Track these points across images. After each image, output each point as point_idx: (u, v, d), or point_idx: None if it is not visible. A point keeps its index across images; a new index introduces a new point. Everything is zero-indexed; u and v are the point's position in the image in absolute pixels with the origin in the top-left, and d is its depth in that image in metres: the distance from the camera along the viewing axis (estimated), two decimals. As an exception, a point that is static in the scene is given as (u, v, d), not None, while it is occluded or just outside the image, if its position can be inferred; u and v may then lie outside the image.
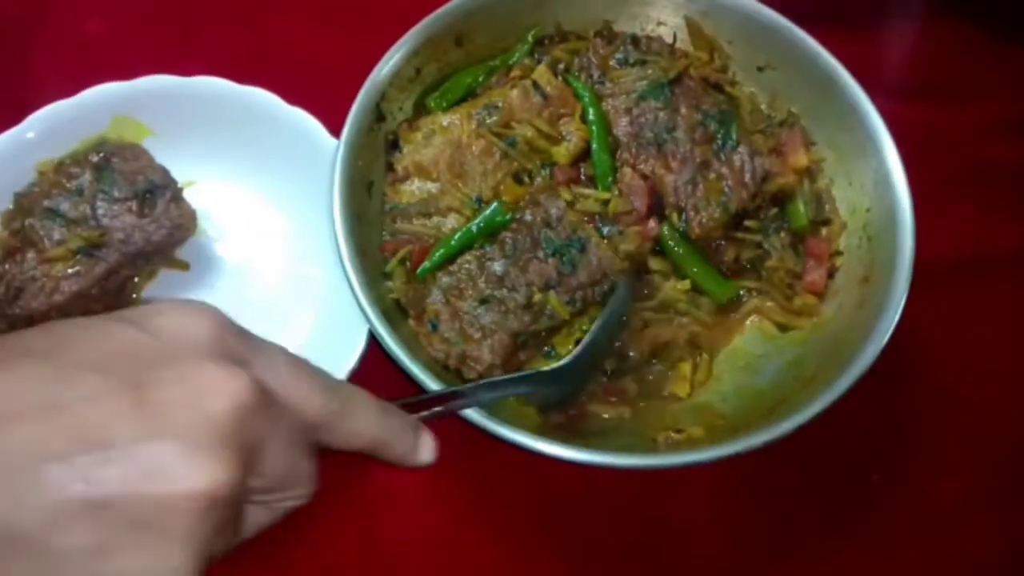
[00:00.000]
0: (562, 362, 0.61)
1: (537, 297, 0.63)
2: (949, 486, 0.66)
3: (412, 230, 0.67)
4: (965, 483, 0.66)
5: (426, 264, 0.65)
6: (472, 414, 0.57)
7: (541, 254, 0.64)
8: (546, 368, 0.62)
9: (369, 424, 0.47)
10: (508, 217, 0.65)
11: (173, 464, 0.36)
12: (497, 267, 0.64)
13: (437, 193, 0.67)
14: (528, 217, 0.65)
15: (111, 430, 0.36)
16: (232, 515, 0.40)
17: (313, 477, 0.45)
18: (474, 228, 0.65)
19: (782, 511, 0.65)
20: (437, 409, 0.54)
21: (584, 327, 0.64)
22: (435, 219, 0.67)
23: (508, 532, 0.63)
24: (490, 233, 0.65)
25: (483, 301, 0.63)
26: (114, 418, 0.36)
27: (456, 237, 0.65)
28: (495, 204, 0.66)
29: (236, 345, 0.42)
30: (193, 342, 0.40)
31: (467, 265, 0.64)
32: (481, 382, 0.58)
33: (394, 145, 0.69)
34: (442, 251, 0.65)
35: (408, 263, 0.66)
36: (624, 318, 0.66)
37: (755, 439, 0.56)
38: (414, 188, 0.68)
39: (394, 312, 0.64)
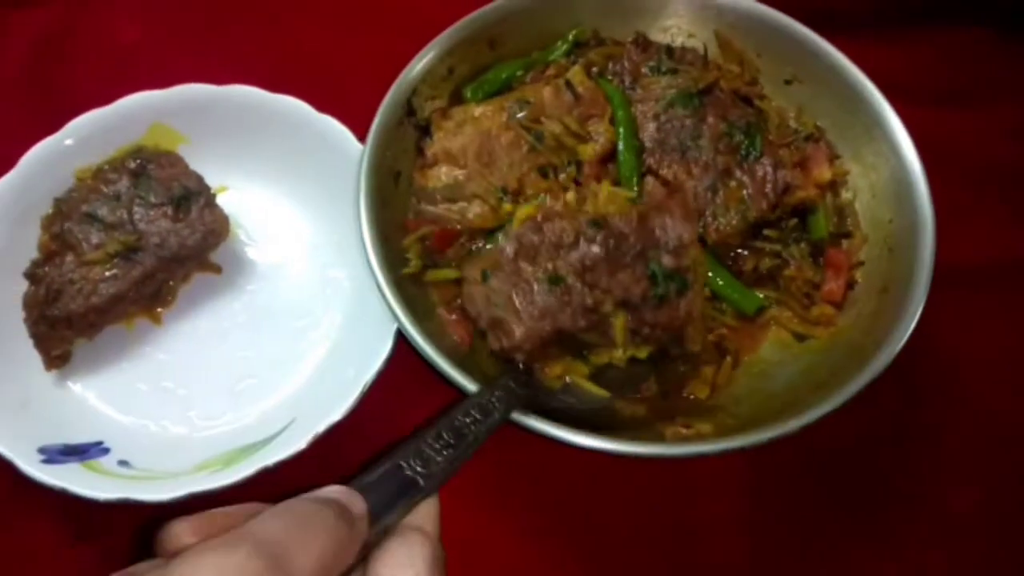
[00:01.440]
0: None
1: (607, 308, 0.60)
2: (968, 491, 0.67)
3: (436, 213, 0.68)
4: (984, 488, 0.67)
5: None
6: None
7: (639, 270, 0.60)
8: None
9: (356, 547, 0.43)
10: None
11: None
12: (593, 250, 0.59)
13: (463, 180, 0.69)
14: (653, 224, 0.61)
15: None
16: None
17: None
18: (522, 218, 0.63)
19: (801, 514, 0.66)
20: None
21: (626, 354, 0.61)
22: (459, 204, 0.68)
23: (533, 523, 0.65)
24: None
25: (552, 281, 0.59)
26: None
27: (504, 231, 0.64)
28: (539, 200, 0.66)
29: None
30: None
31: (561, 228, 0.60)
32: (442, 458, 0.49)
33: (425, 131, 0.70)
34: (489, 246, 0.66)
35: (427, 242, 0.67)
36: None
37: (761, 435, 0.57)
38: (442, 174, 0.69)
39: (417, 300, 0.65)
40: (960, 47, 0.85)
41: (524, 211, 0.64)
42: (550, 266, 0.59)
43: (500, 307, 0.59)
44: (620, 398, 0.63)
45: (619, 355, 0.62)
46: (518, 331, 0.59)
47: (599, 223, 0.60)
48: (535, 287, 0.59)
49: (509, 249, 0.60)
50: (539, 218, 0.61)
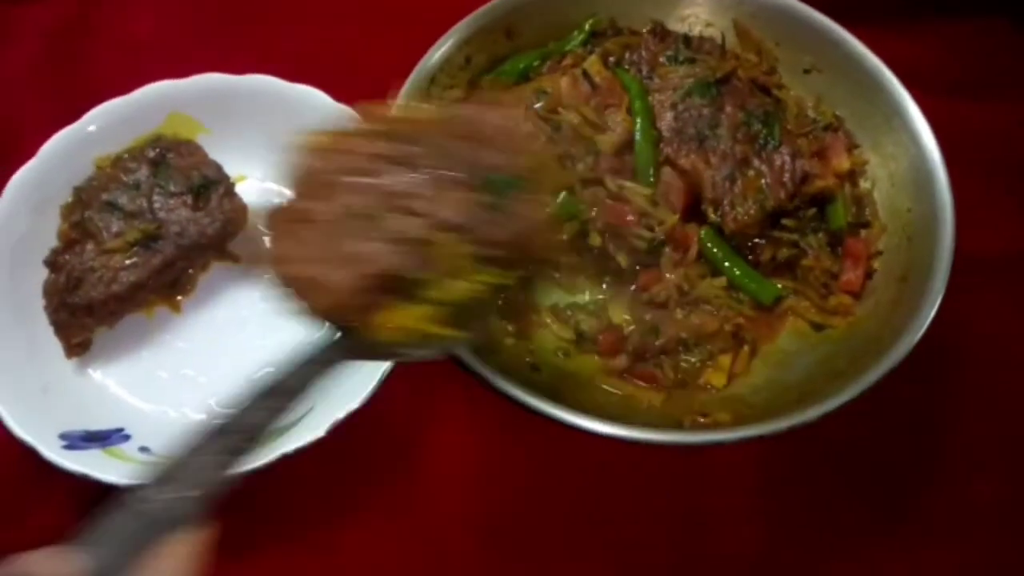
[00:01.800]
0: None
1: (434, 236, 0.47)
2: (985, 484, 0.66)
3: None
4: (1001, 482, 0.67)
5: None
6: (517, 392, 0.57)
7: (464, 182, 0.48)
8: None
9: None
10: (581, 209, 0.65)
11: None
12: (402, 172, 0.47)
13: (482, 171, 0.68)
14: (476, 128, 0.49)
15: None
16: None
17: None
18: None
19: (816, 504, 0.65)
20: None
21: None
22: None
23: (548, 513, 0.65)
24: (560, 220, 0.63)
25: (358, 217, 0.47)
26: None
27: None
28: (566, 193, 0.66)
29: None
30: None
31: (355, 154, 0.48)
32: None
33: (444, 122, 0.70)
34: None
35: None
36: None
37: (779, 423, 0.57)
38: (460, 165, 0.69)
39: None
40: (979, 37, 0.85)
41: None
42: (353, 200, 0.47)
43: (309, 262, 0.47)
44: (481, 337, 0.57)
45: (463, 287, 0.48)
46: (333, 286, 0.46)
47: (403, 138, 0.49)
48: (341, 228, 0.47)
49: (298, 190, 0.49)
50: (329, 145, 0.49)
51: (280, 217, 0.50)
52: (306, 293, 0.47)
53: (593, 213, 0.66)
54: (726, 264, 0.67)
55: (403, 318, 0.48)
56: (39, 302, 0.66)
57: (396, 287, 0.47)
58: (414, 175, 0.48)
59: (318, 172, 0.49)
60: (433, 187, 0.47)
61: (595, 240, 0.67)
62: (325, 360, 0.48)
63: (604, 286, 0.68)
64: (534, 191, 0.50)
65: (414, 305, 0.48)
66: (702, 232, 0.67)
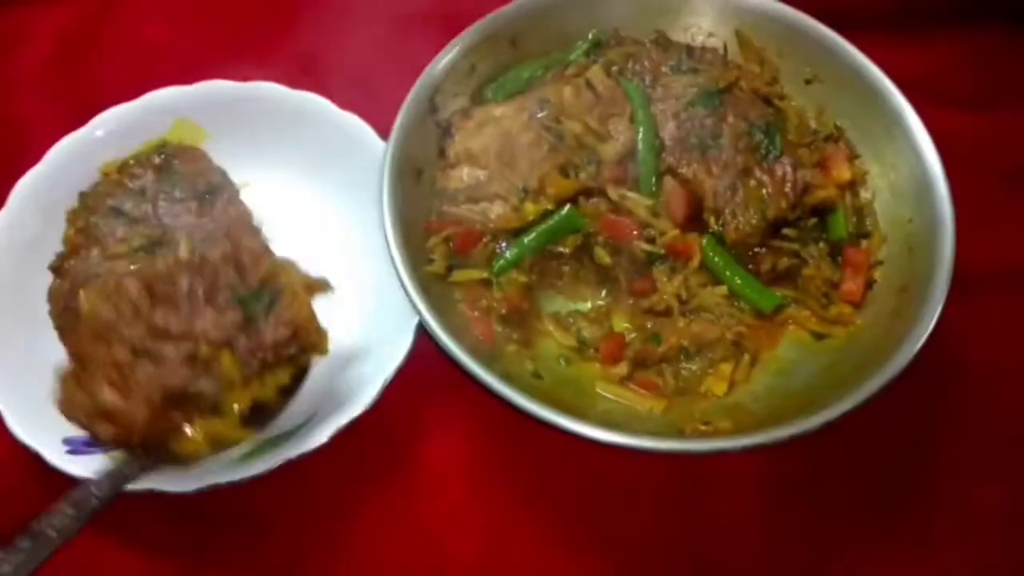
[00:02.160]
0: None
1: (204, 351, 0.56)
2: (987, 491, 0.67)
3: (458, 213, 0.69)
4: (1003, 489, 0.67)
5: (501, 263, 0.67)
6: (519, 399, 0.58)
7: (223, 300, 0.58)
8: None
9: None
10: (584, 222, 0.67)
11: None
12: (159, 316, 0.55)
13: (485, 180, 0.69)
14: (216, 254, 0.58)
15: None
16: None
17: None
18: (553, 225, 0.66)
19: (820, 512, 0.66)
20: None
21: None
22: (482, 204, 0.69)
23: (549, 519, 0.65)
24: (564, 234, 0.67)
25: (138, 353, 0.55)
26: None
27: (532, 236, 0.67)
28: (569, 207, 0.67)
29: None
30: None
31: (118, 299, 0.55)
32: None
33: (447, 132, 0.71)
34: (517, 250, 0.67)
35: (451, 244, 0.68)
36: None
37: (781, 432, 0.57)
38: (463, 174, 0.69)
39: (439, 296, 0.65)
40: (981, 47, 0.85)
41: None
42: (128, 335, 0.55)
43: (99, 396, 0.55)
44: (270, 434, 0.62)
45: (247, 392, 0.58)
46: (126, 411, 0.54)
47: (150, 278, 0.57)
48: (125, 363, 0.55)
49: (86, 340, 0.56)
50: (93, 299, 0.56)
51: (67, 373, 0.56)
52: (105, 423, 0.55)
53: (595, 228, 0.67)
54: (727, 273, 0.67)
55: (202, 431, 0.57)
56: (44, 307, 0.66)
57: (187, 404, 0.56)
58: (177, 309, 0.56)
59: (96, 322, 0.56)
60: (197, 310, 0.56)
61: (601, 256, 0.68)
62: (127, 477, 0.56)
63: (605, 294, 0.69)
64: (282, 293, 0.59)
65: (209, 418, 0.57)
66: (703, 241, 0.67)
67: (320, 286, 0.62)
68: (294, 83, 0.74)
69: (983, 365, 0.71)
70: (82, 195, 0.70)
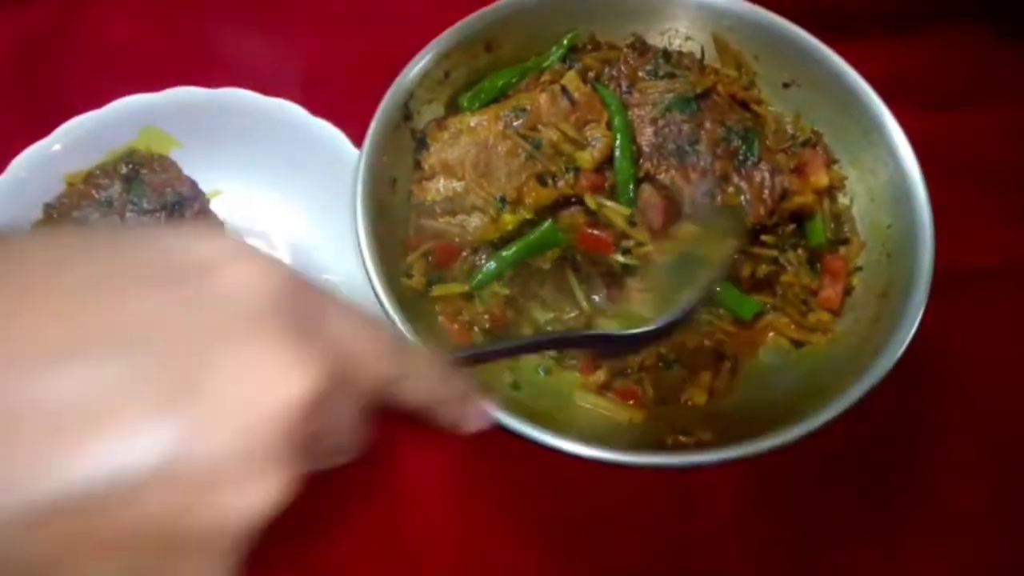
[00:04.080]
0: (644, 329, 0.61)
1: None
2: (969, 493, 0.67)
3: (437, 227, 0.68)
4: (985, 489, 0.67)
5: (480, 277, 0.66)
6: (498, 414, 0.56)
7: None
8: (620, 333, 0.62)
9: (431, 386, 0.41)
10: (562, 238, 0.66)
11: (228, 485, 0.28)
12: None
13: (462, 191, 0.68)
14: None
15: (144, 436, 0.26)
16: None
17: (366, 438, 0.38)
18: (532, 240, 0.66)
19: (803, 520, 0.66)
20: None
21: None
22: (459, 217, 0.68)
23: (532, 534, 0.65)
24: (543, 249, 0.67)
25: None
26: (148, 420, 0.26)
27: (512, 251, 0.66)
28: (549, 222, 0.67)
29: (306, 308, 0.32)
30: (257, 310, 0.29)
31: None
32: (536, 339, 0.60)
33: (422, 143, 0.70)
34: (496, 265, 0.66)
35: (431, 258, 0.67)
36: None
37: (762, 443, 0.56)
38: (440, 186, 0.68)
39: (416, 308, 0.64)
40: (961, 47, 0.85)
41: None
42: None
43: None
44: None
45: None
46: None
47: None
48: None
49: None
50: None
51: None
52: None
53: (571, 241, 0.67)
54: (707, 279, 0.66)
55: None
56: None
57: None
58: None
59: None
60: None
61: (580, 267, 0.68)
62: None
63: (586, 304, 0.68)
64: None
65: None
66: (681, 250, 0.67)
67: None
68: (265, 89, 0.73)
69: (964, 367, 0.71)
70: (47, 207, 0.68)
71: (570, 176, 0.68)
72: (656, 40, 0.74)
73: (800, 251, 0.69)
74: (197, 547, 0.28)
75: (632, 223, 0.67)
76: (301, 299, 0.31)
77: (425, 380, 0.40)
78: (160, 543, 0.27)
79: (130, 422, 0.26)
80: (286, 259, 0.72)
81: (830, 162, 0.71)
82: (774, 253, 0.68)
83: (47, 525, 0.25)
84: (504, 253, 0.66)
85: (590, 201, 0.67)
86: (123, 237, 0.31)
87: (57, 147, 0.70)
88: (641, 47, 0.73)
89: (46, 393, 0.26)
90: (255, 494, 0.28)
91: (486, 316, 0.66)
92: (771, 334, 0.68)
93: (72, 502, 0.25)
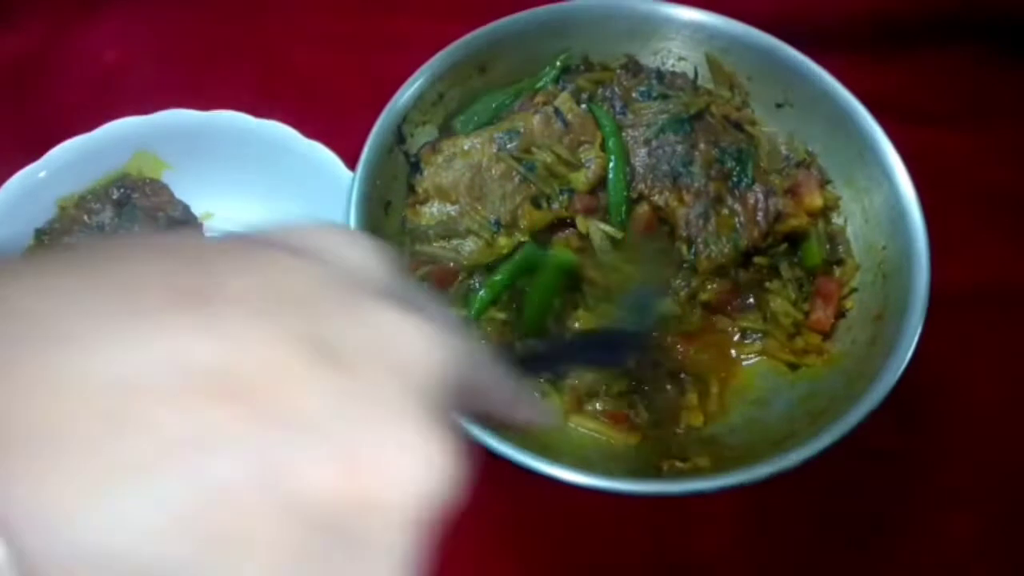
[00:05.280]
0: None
1: None
2: (966, 520, 0.66)
3: (431, 252, 0.68)
4: (982, 516, 0.67)
5: (478, 305, 0.66)
6: (493, 443, 0.56)
7: None
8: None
9: (510, 383, 0.36)
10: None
11: (388, 453, 0.23)
12: None
13: (456, 215, 0.68)
14: None
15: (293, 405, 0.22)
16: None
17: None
18: (518, 262, 0.66)
19: (801, 543, 0.65)
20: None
21: None
22: (454, 241, 0.68)
23: (528, 559, 0.64)
24: (530, 271, 0.66)
25: None
26: (296, 387, 0.22)
27: (500, 276, 0.66)
28: (528, 244, 0.67)
29: (409, 292, 0.29)
30: (375, 281, 0.27)
31: None
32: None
33: (415, 167, 0.69)
34: (489, 291, 0.66)
35: (427, 283, 0.67)
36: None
37: (760, 470, 0.56)
38: (434, 210, 0.68)
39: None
40: (957, 66, 0.85)
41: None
42: None
43: None
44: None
45: None
46: None
47: None
48: None
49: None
50: None
51: None
52: None
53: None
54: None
55: None
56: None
57: None
58: None
59: None
60: None
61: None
62: None
63: (577, 325, 0.68)
64: None
65: None
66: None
67: None
68: (258, 111, 0.72)
69: (959, 387, 0.71)
70: (38, 232, 0.67)
71: (564, 198, 0.67)
72: (649, 61, 0.74)
73: (791, 273, 0.69)
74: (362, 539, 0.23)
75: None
76: (405, 285, 0.29)
77: (506, 381, 0.36)
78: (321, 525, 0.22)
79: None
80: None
81: (824, 183, 0.70)
82: (764, 277, 0.69)
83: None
84: (495, 278, 0.66)
85: (581, 224, 0.67)
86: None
87: (48, 171, 0.69)
88: (634, 68, 0.73)
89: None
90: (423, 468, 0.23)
91: (483, 342, 0.66)
92: (762, 357, 0.68)
93: None
